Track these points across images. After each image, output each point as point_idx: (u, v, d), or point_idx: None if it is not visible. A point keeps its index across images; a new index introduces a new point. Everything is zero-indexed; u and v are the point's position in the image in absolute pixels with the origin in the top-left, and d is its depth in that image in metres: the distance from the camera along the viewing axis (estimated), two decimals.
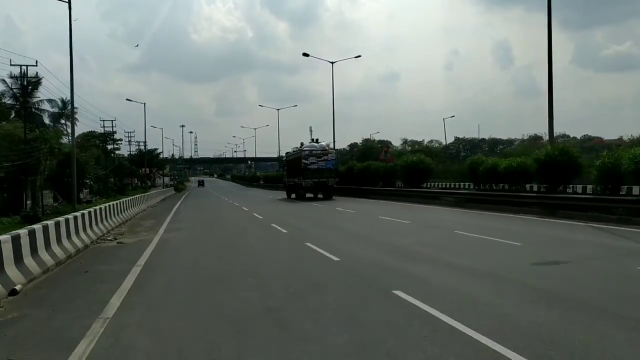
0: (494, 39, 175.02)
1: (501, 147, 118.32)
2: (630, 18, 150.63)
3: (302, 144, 40.30)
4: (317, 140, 40.60)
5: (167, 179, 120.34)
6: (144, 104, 76.27)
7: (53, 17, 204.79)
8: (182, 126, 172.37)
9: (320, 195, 35.84)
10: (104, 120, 64.22)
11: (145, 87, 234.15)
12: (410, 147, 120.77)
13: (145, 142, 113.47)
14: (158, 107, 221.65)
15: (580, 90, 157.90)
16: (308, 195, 36.58)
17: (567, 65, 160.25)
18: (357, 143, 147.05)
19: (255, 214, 23.88)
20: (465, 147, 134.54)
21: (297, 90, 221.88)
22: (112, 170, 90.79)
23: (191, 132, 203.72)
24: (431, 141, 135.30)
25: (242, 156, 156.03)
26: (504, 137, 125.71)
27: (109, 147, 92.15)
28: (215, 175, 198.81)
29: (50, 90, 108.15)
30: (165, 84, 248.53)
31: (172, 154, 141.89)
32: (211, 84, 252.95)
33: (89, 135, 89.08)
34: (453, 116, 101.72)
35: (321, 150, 35.70)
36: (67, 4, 26.04)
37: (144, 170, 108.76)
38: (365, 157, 72.76)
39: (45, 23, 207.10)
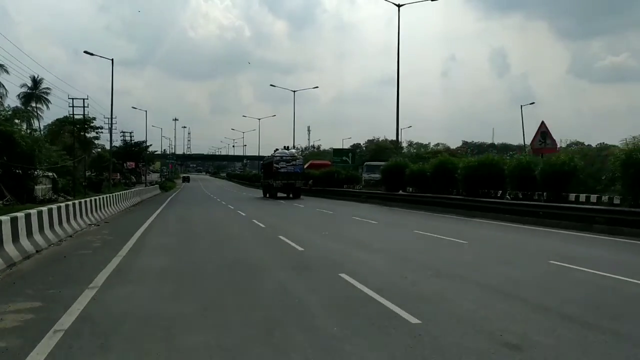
0: (492, 46, 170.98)
1: (512, 152, 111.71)
2: (627, 29, 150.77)
3: (276, 149, 43.93)
4: (287, 147, 46.24)
5: (156, 176, 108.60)
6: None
7: (48, 9, 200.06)
8: (175, 119, 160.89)
9: (291, 195, 40.58)
10: (72, 99, 51.66)
11: (140, 82, 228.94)
12: (415, 150, 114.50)
13: (131, 133, 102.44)
14: (152, 103, 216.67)
15: (574, 100, 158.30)
16: (280, 194, 40.56)
17: (563, 75, 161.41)
18: (360, 144, 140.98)
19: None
20: (474, 151, 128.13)
21: (290, 93, 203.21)
22: (90, 163, 79.65)
23: (184, 127, 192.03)
24: (437, 144, 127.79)
25: (237, 154, 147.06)
26: (515, 143, 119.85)
27: (87, 135, 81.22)
28: (207, 173, 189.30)
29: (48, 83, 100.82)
30: (160, 79, 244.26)
31: (164, 150, 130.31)
32: (207, 81, 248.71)
33: (64, 121, 77.82)
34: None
35: (290, 157, 40.88)
36: None
37: (129, 165, 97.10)
38: (377, 157, 71.95)
39: (40, 15, 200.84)
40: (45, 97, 78.94)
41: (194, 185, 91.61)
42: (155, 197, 42.48)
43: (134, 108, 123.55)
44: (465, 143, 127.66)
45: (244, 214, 23.87)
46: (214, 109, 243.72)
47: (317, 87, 75.85)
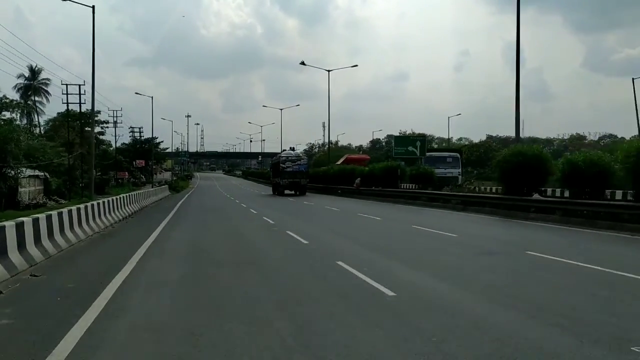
0: (505, 40, 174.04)
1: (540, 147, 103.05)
2: None
3: (283, 150, 48.83)
4: (293, 148, 49.71)
5: (169, 174, 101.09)
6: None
7: (62, 10, 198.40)
8: (188, 116, 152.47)
9: (297, 192, 42.44)
10: (67, 85, 43.85)
11: (152, 81, 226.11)
12: (437, 145, 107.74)
13: (140, 129, 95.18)
14: (165, 102, 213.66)
15: (590, 94, 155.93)
16: (287, 192, 42.75)
17: (578, 69, 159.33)
18: (379, 139, 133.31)
19: None
20: (498, 146, 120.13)
21: (305, 88, 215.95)
22: (96, 161, 72.06)
23: (197, 124, 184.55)
24: (460, 139, 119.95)
25: (251, 151, 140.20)
26: (542, 137, 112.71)
27: (90, 129, 73.48)
28: (222, 171, 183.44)
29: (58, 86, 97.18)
30: (172, 78, 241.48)
31: (177, 148, 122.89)
32: (219, 79, 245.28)
33: (67, 115, 70.29)
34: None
35: (295, 157, 43.94)
36: None
37: (139, 163, 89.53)
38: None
39: (54, 16, 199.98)
40: (45, 88, 71.82)
41: (208, 184, 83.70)
42: (161, 202, 34.42)
43: (138, 94, 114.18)
44: (490, 137, 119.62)
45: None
46: (227, 107, 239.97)
47: (356, 65, 67.38)
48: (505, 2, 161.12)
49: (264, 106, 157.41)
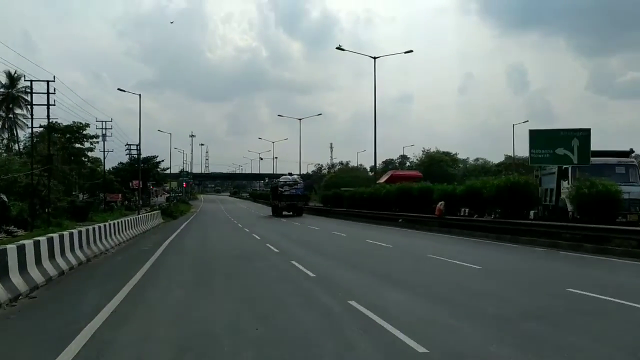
0: (509, 64, 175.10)
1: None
2: None
3: (273, 177, 58.19)
4: (290, 173, 53.78)
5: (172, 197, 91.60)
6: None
7: (70, 34, 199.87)
8: (192, 136, 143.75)
9: (293, 213, 45.39)
10: (31, 81, 34.61)
11: (158, 105, 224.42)
12: (462, 165, 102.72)
13: (138, 146, 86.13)
14: (170, 125, 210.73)
15: (595, 116, 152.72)
16: (285, 213, 45.53)
17: (582, 91, 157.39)
18: (392, 159, 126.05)
19: None
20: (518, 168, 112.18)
21: (311, 111, 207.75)
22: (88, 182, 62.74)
23: (202, 145, 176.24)
24: (477, 159, 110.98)
25: (256, 172, 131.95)
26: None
27: (77, 144, 64.35)
28: (229, 193, 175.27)
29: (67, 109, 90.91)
30: (178, 101, 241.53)
31: (181, 170, 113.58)
32: (224, 102, 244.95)
33: (51, 128, 61.20)
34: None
35: (292, 182, 47.09)
36: None
37: (135, 184, 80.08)
38: (430, 172, 68.30)
39: (62, 40, 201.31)
40: (25, 98, 62.83)
41: (213, 209, 73.82)
42: (141, 239, 23.62)
43: (160, 131, 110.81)
44: (509, 157, 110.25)
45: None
46: (232, 129, 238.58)
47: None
48: (508, 26, 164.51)
49: (259, 138, 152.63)
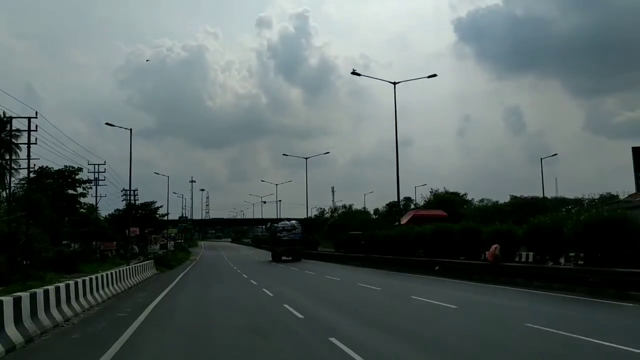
0: (505, 105, 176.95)
1: (569, 206, 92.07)
2: None
3: (275, 221, 61.94)
4: (289, 219, 56.25)
5: (171, 245, 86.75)
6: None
7: (72, 86, 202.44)
8: (192, 181, 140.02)
9: (292, 258, 45.94)
10: (11, 118, 30.91)
11: (159, 152, 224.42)
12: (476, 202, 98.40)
13: (135, 191, 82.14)
14: (171, 172, 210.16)
15: (593, 156, 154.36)
16: (284, 258, 46.46)
17: (580, 132, 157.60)
18: (397, 201, 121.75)
19: None
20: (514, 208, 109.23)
21: (311, 154, 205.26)
22: (70, 228, 58.07)
23: (202, 190, 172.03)
24: (482, 200, 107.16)
25: (258, 217, 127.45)
26: (571, 196, 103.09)
27: (70, 191, 60.08)
28: (233, 241, 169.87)
29: (68, 157, 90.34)
30: (179, 148, 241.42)
31: (181, 215, 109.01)
32: (224, 149, 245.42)
33: (43, 172, 57.26)
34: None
35: (291, 227, 48.56)
36: None
37: (132, 231, 75.38)
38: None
39: (64, 91, 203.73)
40: (16, 142, 59.04)
41: (215, 256, 68.77)
42: (121, 300, 18.64)
43: (157, 174, 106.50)
44: (513, 197, 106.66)
45: None
46: (232, 175, 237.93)
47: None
48: (503, 69, 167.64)
49: (262, 181, 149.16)
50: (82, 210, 62.71)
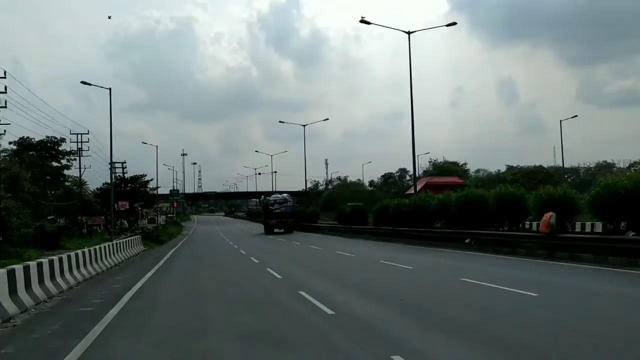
0: (498, 76, 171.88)
1: (565, 175, 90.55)
2: (635, 53, 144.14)
3: (269, 194, 59.31)
4: (280, 192, 56.63)
5: (162, 219, 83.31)
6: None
7: (60, 59, 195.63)
8: (184, 154, 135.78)
9: (284, 230, 46.71)
10: None
11: (150, 127, 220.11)
12: (480, 173, 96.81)
13: (123, 164, 78.40)
14: (162, 146, 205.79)
15: (584, 126, 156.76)
16: (276, 230, 47.19)
17: (572, 102, 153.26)
18: (392, 173, 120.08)
19: None
20: (517, 177, 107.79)
21: (302, 130, 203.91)
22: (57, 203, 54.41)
23: (194, 164, 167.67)
24: (478, 170, 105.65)
25: (251, 191, 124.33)
26: (567, 165, 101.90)
27: (54, 163, 56.20)
28: (227, 214, 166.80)
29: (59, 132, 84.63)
30: (169, 123, 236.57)
31: (172, 188, 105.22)
32: (216, 122, 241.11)
33: (24, 143, 53.36)
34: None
35: (282, 200, 49.26)
36: None
37: (122, 205, 71.77)
38: None
39: (51, 65, 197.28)
40: None
41: (208, 230, 65.52)
42: (96, 285, 14.51)
43: (144, 143, 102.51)
44: (510, 167, 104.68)
45: None
46: (224, 149, 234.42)
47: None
48: (497, 39, 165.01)
49: (256, 151, 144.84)
50: (67, 183, 58.94)
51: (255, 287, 12.76)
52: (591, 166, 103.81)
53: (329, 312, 8.64)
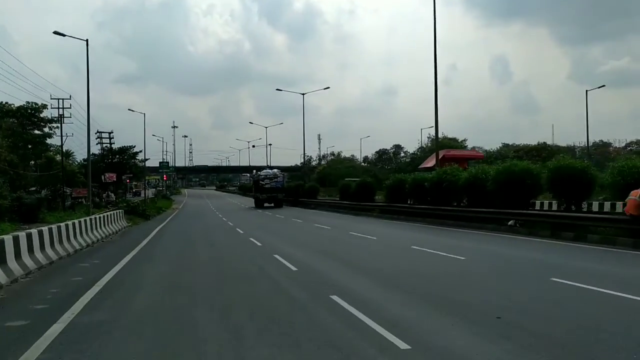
0: (492, 54, 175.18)
1: (561, 155, 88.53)
2: (628, 34, 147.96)
3: (261, 169, 57.48)
4: (271, 167, 59.03)
5: (152, 192, 79.79)
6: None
7: (47, 29, 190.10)
8: (174, 127, 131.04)
9: (274, 205, 47.76)
10: None
11: (141, 99, 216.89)
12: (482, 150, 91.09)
13: (110, 133, 74.60)
14: (154, 119, 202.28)
15: (576, 106, 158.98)
16: (266, 205, 48.38)
17: (565, 81, 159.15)
18: (386, 149, 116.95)
19: None
20: (520, 154, 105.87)
21: (295, 104, 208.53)
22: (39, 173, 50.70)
23: (185, 137, 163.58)
24: (473, 148, 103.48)
25: (243, 165, 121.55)
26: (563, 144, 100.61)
27: (36, 131, 52.11)
28: (217, 188, 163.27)
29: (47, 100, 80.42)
30: (161, 95, 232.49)
31: (162, 160, 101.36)
32: (208, 96, 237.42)
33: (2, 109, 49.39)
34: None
35: (273, 175, 49.92)
36: None
37: (109, 177, 68.04)
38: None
39: (39, 34, 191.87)
40: None
41: (199, 205, 62.10)
42: (62, 269, 11.83)
43: (131, 110, 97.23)
44: (505, 145, 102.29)
45: None
46: (216, 123, 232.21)
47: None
48: (492, 16, 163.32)
49: (250, 122, 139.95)
50: (49, 152, 55.03)
51: (249, 266, 9.37)
52: (590, 145, 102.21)
53: (403, 346, 5.27)
